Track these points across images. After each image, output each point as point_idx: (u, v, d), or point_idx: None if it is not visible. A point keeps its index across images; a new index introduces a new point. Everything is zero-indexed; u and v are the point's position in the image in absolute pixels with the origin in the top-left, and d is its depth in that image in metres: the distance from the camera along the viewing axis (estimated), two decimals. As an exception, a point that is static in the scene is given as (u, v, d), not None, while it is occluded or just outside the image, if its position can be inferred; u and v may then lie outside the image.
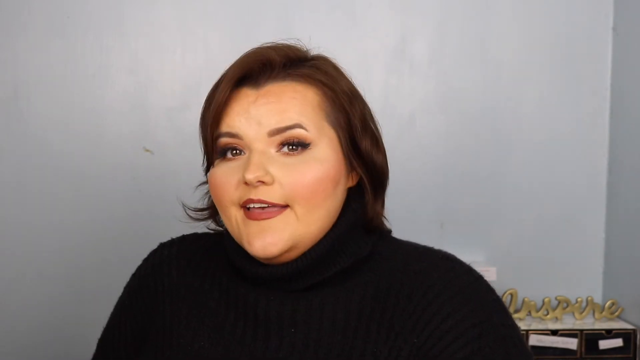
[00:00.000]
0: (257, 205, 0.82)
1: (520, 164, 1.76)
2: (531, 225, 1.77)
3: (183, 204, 0.97)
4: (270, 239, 0.82)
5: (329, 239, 0.86)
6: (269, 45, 0.90)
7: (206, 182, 0.93)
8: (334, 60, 0.93)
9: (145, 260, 1.01)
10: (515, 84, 1.74)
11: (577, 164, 1.77)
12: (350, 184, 0.89)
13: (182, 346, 0.88)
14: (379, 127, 0.93)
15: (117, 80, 1.67)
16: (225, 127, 0.86)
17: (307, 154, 0.84)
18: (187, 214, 0.96)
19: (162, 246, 1.00)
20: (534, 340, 1.64)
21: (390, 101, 1.72)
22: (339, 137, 0.87)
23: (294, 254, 0.85)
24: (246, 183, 0.82)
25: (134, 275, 1.00)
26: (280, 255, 0.83)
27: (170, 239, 1.01)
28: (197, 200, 0.98)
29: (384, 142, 0.92)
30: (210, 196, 0.92)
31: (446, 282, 0.84)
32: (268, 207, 0.82)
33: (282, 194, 0.82)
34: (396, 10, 1.72)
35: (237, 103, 0.86)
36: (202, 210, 0.96)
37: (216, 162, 0.87)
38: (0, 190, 1.65)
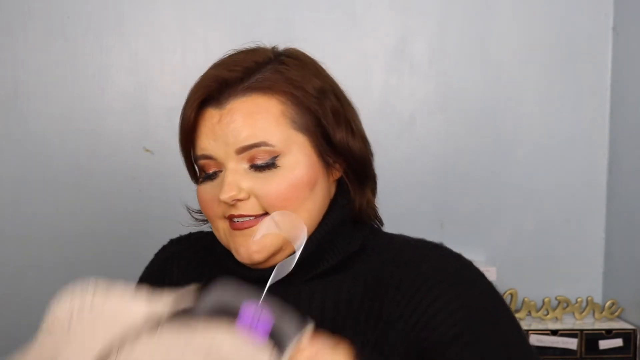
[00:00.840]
0: (239, 220, 0.85)
1: (520, 164, 1.76)
2: (531, 225, 1.77)
3: (187, 207, 0.99)
4: (254, 247, 0.84)
5: (315, 239, 0.87)
6: (224, 60, 0.91)
7: None
8: (303, 53, 0.92)
9: (156, 256, 1.03)
10: (515, 84, 1.74)
11: (577, 164, 1.77)
12: (335, 176, 0.90)
13: None
14: (355, 108, 0.93)
15: (117, 80, 1.67)
16: (199, 150, 0.89)
17: (277, 166, 0.85)
18: (193, 216, 0.98)
19: (171, 242, 1.03)
20: (534, 340, 1.64)
21: (390, 101, 1.72)
22: (309, 139, 0.87)
23: (280, 257, 0.85)
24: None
25: (146, 269, 1.02)
26: (266, 260, 0.85)
27: (179, 235, 1.03)
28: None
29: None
30: None
31: (435, 268, 0.85)
32: (249, 220, 0.85)
33: (260, 206, 0.85)
34: (396, 10, 1.72)
35: (204, 125, 0.89)
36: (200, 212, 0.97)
37: (200, 179, 0.90)
38: (0, 190, 1.65)
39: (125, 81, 1.67)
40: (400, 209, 1.66)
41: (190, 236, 1.03)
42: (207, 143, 0.87)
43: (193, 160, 0.91)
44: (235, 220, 0.85)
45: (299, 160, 0.86)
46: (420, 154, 1.74)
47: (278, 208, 0.84)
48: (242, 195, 0.84)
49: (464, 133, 1.74)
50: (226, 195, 0.83)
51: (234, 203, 0.84)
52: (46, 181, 1.65)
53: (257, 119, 0.86)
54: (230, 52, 0.92)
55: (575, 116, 1.76)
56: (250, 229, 0.84)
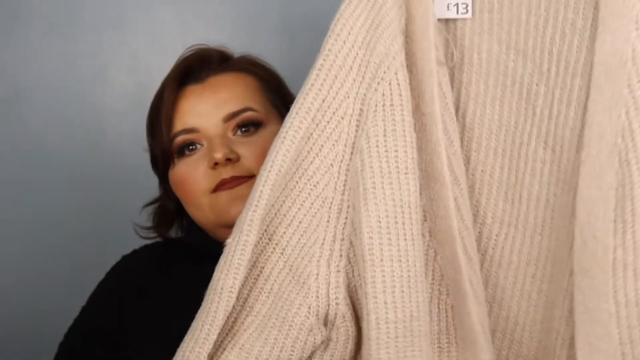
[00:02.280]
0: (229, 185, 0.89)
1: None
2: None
3: (134, 224, 1.02)
4: (242, 205, 0.87)
5: None
6: (199, 45, 1.01)
7: (153, 202, 0.98)
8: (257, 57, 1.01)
9: (110, 271, 1.08)
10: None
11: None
12: None
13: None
14: None
15: (117, 80, 1.67)
16: (180, 125, 0.92)
17: (262, 132, 0.91)
18: (140, 235, 1.01)
19: (124, 257, 1.09)
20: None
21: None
22: (281, 115, 0.94)
23: None
24: (215, 165, 0.88)
25: (99, 285, 1.07)
26: None
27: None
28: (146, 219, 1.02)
29: None
30: (157, 214, 0.99)
31: None
32: (239, 183, 0.89)
33: (249, 167, 0.89)
34: (396, 10, 1.72)
35: (185, 101, 0.93)
36: (150, 228, 1.00)
37: (176, 162, 0.91)
38: (0, 190, 1.65)
39: (125, 81, 1.67)
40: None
41: (146, 247, 1.06)
42: (190, 116, 0.91)
43: (165, 142, 0.92)
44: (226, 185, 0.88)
45: (278, 130, 0.91)
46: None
47: None
48: (233, 155, 0.88)
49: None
50: (220, 154, 0.87)
51: (226, 163, 0.87)
52: (46, 181, 1.65)
53: (239, 90, 0.92)
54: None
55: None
56: (237, 188, 0.88)
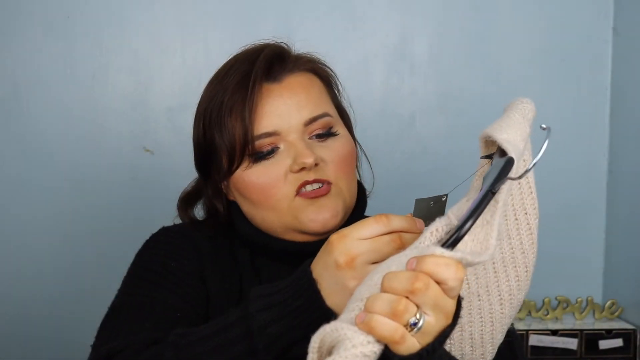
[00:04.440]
0: (314, 187, 0.89)
1: (520, 164, 1.75)
2: (531, 225, 1.76)
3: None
4: (327, 214, 0.88)
5: (357, 212, 0.94)
6: (266, 41, 0.95)
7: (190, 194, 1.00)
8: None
9: (157, 234, 1.00)
10: (516, 84, 1.74)
11: (577, 164, 1.77)
12: None
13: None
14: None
15: (117, 80, 1.67)
16: (262, 127, 0.89)
17: (335, 137, 0.92)
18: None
19: (165, 228, 1.01)
20: (534, 340, 1.64)
21: (391, 101, 1.72)
22: (342, 117, 0.96)
23: (340, 227, 0.89)
24: (302, 169, 0.88)
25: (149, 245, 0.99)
26: (334, 227, 0.89)
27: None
28: None
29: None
30: (185, 203, 1.00)
31: None
32: (320, 187, 0.88)
33: (329, 172, 0.89)
34: (396, 11, 1.72)
35: (265, 101, 0.90)
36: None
37: (252, 164, 0.90)
38: (0, 189, 1.65)
39: (125, 81, 1.67)
40: (400, 210, 1.65)
41: (170, 228, 1.01)
42: (272, 118, 0.89)
43: (241, 142, 0.89)
44: (309, 188, 0.88)
45: (345, 134, 0.94)
46: (420, 154, 1.73)
47: (343, 173, 0.90)
48: (319, 160, 0.89)
49: (464, 133, 1.74)
50: (310, 159, 0.87)
51: (310, 168, 0.88)
52: (46, 181, 1.65)
53: (315, 93, 0.92)
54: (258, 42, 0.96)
55: (575, 116, 1.76)
56: (322, 198, 0.88)
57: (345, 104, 1.01)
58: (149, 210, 1.66)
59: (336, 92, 0.98)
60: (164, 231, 1.00)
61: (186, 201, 1.02)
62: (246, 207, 0.93)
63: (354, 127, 1.01)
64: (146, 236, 1.01)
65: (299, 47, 0.99)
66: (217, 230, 0.98)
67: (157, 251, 0.96)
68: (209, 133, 0.92)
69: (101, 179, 1.66)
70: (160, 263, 0.94)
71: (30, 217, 1.65)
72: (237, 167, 0.90)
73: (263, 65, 0.90)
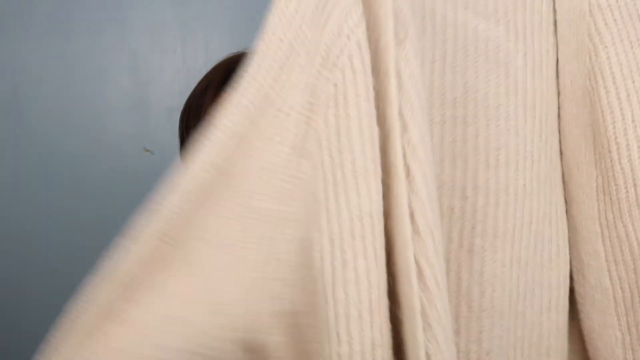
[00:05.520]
0: None
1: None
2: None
3: None
4: None
5: None
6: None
7: None
8: None
9: None
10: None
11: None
12: None
13: None
14: None
15: (117, 80, 1.67)
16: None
17: None
18: None
19: None
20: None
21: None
22: None
23: None
24: None
25: None
26: None
27: None
28: None
29: None
30: None
31: None
32: None
33: None
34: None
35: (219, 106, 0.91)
36: None
37: None
38: None
39: (125, 81, 1.67)
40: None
41: None
42: None
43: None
44: None
45: None
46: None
47: None
48: None
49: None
50: None
51: None
52: (46, 181, 1.65)
53: None
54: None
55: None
56: None
57: None
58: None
59: None
60: None
61: None
62: None
63: None
64: (146, 236, 1.01)
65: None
66: None
67: None
68: (182, 132, 0.98)
69: (101, 178, 1.66)
70: None
71: (30, 217, 1.65)
72: None
73: (220, 74, 0.92)
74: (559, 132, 0.68)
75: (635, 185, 0.64)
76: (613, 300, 0.66)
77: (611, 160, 0.64)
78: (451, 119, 0.64)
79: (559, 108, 0.68)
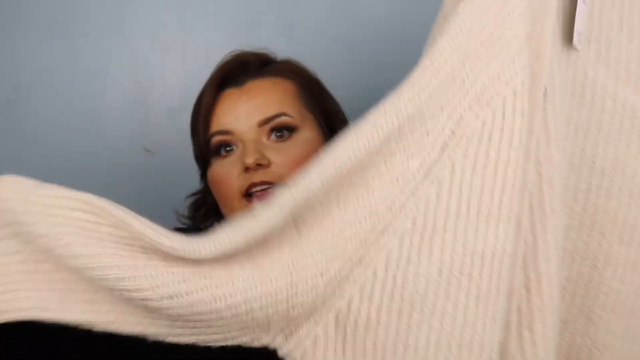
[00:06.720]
0: (258, 189, 0.89)
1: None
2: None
3: (177, 212, 1.02)
4: None
5: None
6: (237, 53, 0.99)
7: (196, 194, 0.99)
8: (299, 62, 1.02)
9: None
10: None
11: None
12: None
13: None
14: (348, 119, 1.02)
15: (117, 80, 1.67)
16: (215, 126, 0.93)
17: (295, 138, 0.92)
18: (180, 222, 1.02)
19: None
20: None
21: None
22: (317, 120, 0.96)
23: None
24: (247, 169, 0.89)
25: None
26: None
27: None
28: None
29: None
30: (195, 205, 1.00)
31: None
32: (268, 188, 0.88)
33: (279, 174, 0.89)
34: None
35: (223, 103, 0.95)
36: (189, 218, 1.01)
37: (212, 161, 0.95)
38: None
39: (125, 81, 1.67)
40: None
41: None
42: (226, 118, 0.93)
43: (203, 142, 0.95)
44: (255, 189, 0.89)
45: (312, 135, 0.94)
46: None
47: (296, 174, 0.89)
48: (264, 161, 0.89)
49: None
50: (251, 159, 0.87)
51: (257, 168, 0.88)
52: (46, 181, 1.65)
53: (275, 95, 0.93)
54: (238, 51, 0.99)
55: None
56: (263, 201, 0.88)
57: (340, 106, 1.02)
58: (149, 210, 1.66)
59: (319, 97, 0.99)
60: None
61: (196, 207, 1.06)
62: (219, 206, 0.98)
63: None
64: (146, 236, 1.01)
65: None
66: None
67: None
68: (192, 140, 1.00)
69: (101, 178, 1.66)
70: None
71: (30, 217, 1.65)
72: (206, 166, 0.95)
73: (220, 72, 0.95)
74: None
75: None
76: None
77: None
78: (597, 189, 0.64)
79: None
